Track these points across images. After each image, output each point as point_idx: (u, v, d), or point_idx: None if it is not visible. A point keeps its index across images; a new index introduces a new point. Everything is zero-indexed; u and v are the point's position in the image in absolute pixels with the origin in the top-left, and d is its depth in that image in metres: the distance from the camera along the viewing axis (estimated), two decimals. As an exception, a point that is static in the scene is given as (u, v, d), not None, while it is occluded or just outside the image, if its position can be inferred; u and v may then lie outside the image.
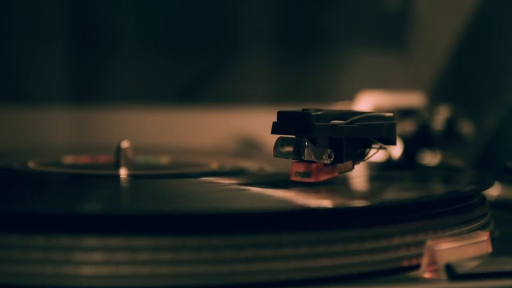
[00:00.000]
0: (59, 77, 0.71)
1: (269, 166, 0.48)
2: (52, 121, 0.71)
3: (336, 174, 0.38)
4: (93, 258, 0.29)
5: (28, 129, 0.70)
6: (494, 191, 0.51)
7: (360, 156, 0.39)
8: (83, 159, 0.52)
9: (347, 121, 0.37)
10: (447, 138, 0.58)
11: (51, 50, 0.71)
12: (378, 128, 0.38)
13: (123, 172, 0.44)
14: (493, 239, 0.36)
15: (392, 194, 0.40)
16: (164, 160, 0.52)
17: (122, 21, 0.73)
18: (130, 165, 0.45)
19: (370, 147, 0.39)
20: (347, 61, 0.77)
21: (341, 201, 0.35)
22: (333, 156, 0.37)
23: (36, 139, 0.70)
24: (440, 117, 0.59)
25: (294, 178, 0.38)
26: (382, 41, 0.78)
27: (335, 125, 0.37)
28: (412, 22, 0.77)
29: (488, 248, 0.34)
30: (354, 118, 0.37)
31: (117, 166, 0.45)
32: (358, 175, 0.43)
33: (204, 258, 0.29)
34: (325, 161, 0.37)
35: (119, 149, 0.45)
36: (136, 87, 0.74)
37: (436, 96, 0.69)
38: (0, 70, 0.71)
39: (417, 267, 0.32)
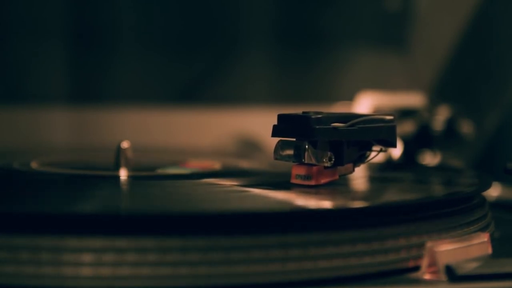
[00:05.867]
0: (59, 77, 0.71)
1: (269, 167, 0.48)
2: (52, 121, 0.71)
3: (337, 177, 0.38)
4: (90, 259, 0.29)
5: (28, 129, 0.70)
6: (494, 192, 0.51)
7: (360, 159, 0.39)
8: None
9: (347, 124, 0.37)
10: (447, 139, 0.58)
11: (51, 50, 0.71)
12: (378, 131, 0.38)
13: (123, 173, 0.44)
14: (493, 240, 0.36)
15: (392, 195, 0.40)
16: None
17: (122, 21, 0.73)
18: (130, 166, 0.45)
19: (371, 150, 0.39)
20: (347, 61, 0.77)
21: (340, 202, 0.35)
22: (333, 159, 0.37)
23: (36, 139, 0.70)
24: (440, 117, 0.59)
25: (295, 181, 0.38)
26: (382, 41, 0.78)
27: (336, 128, 0.37)
28: (412, 22, 0.77)
29: (488, 249, 0.34)
30: (355, 121, 0.37)
31: (117, 166, 0.45)
32: (358, 176, 0.43)
33: (205, 259, 0.29)
34: (326, 164, 0.37)
35: (119, 149, 0.45)
36: (136, 87, 0.74)
37: (436, 96, 0.69)
38: (0, 70, 0.71)
39: (417, 268, 0.32)
